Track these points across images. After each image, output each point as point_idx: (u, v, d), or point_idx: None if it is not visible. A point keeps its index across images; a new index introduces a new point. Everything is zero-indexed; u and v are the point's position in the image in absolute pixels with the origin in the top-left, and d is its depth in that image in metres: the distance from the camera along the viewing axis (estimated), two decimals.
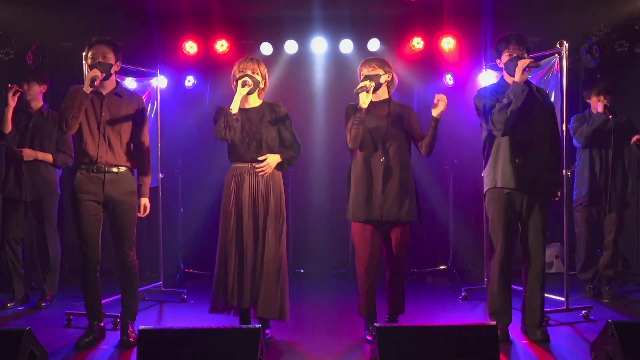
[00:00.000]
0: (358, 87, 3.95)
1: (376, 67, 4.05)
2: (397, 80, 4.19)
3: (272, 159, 4.01)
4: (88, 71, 3.88)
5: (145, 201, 4.12)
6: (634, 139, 5.12)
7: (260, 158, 3.99)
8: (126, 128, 4.00)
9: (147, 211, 4.14)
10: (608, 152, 5.14)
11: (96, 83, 3.79)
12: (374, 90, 4.02)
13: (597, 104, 5.17)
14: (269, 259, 3.92)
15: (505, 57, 3.98)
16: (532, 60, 3.88)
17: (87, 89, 3.79)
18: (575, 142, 5.22)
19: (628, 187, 5.27)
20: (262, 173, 3.98)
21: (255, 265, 3.93)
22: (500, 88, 4.05)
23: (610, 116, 5.06)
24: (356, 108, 4.01)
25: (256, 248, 3.95)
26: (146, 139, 4.13)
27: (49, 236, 5.07)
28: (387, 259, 4.10)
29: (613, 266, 5.30)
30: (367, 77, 4.00)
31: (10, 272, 5.08)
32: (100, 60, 3.88)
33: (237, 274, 3.92)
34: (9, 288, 5.14)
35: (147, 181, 4.15)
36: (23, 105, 5.07)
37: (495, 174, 4.02)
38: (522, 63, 3.82)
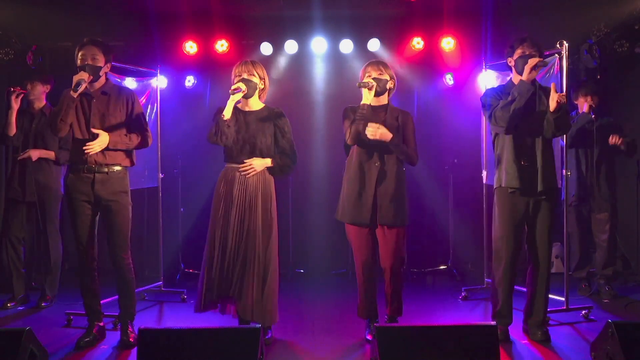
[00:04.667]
0: (362, 81, 3.99)
1: (383, 71, 4.06)
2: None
3: (258, 162, 3.98)
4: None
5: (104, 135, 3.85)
6: (612, 140, 5.12)
7: (246, 161, 3.98)
8: (117, 125, 3.97)
9: (96, 143, 3.83)
10: (593, 152, 5.16)
11: (82, 87, 3.77)
12: (378, 95, 4.05)
13: (584, 104, 5.20)
14: (254, 260, 3.90)
15: (517, 54, 3.98)
16: (541, 59, 3.89)
17: (72, 93, 3.78)
18: (560, 141, 5.23)
19: (613, 187, 5.26)
20: (244, 173, 3.96)
21: (235, 264, 3.90)
22: (506, 89, 4.06)
23: (593, 116, 5.08)
24: (354, 109, 4.04)
25: (239, 247, 3.92)
26: (144, 131, 4.05)
27: (51, 236, 5.07)
28: (383, 263, 4.07)
29: (611, 265, 5.31)
30: (375, 79, 4.01)
31: (11, 272, 5.09)
32: (89, 62, 3.88)
33: (218, 272, 3.91)
34: (9, 288, 5.14)
35: (129, 139, 3.97)
36: (25, 105, 5.08)
37: (500, 174, 4.04)
38: (532, 61, 3.85)
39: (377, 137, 3.89)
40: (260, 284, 3.90)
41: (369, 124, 3.89)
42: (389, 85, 4.09)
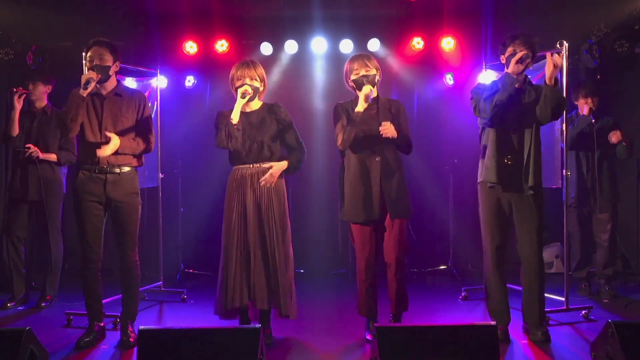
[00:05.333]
0: (360, 78, 3.95)
1: (370, 65, 4.04)
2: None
3: (277, 168, 4.00)
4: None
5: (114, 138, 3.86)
6: (613, 137, 5.10)
7: (265, 165, 3.98)
8: (128, 127, 3.99)
9: (109, 147, 3.84)
10: (594, 154, 5.16)
11: (90, 86, 3.79)
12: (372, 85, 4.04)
13: (584, 106, 5.18)
14: (279, 259, 3.93)
15: (508, 51, 3.97)
16: (526, 52, 3.85)
17: (82, 92, 3.79)
18: (561, 143, 5.23)
19: (615, 188, 5.26)
20: (264, 184, 3.96)
21: (267, 266, 3.92)
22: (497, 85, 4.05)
23: (593, 120, 5.06)
24: (345, 108, 4.05)
25: (265, 249, 3.94)
26: (150, 135, 4.08)
27: (52, 237, 5.07)
28: (388, 257, 4.07)
29: (611, 265, 5.32)
30: (364, 77, 3.99)
31: (11, 272, 5.09)
32: (97, 63, 3.88)
33: (240, 276, 3.91)
34: (9, 288, 5.14)
35: (137, 144, 4.01)
36: (27, 105, 5.08)
37: (482, 168, 4.04)
38: (518, 55, 3.83)
39: (389, 135, 3.91)
40: (284, 278, 3.94)
41: (383, 123, 3.92)
42: (377, 78, 4.08)
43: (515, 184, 3.93)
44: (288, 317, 4.00)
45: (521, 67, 3.87)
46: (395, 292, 4.08)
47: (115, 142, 3.87)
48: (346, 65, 4.11)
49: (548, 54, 3.85)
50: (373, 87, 4.03)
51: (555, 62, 3.78)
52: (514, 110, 3.92)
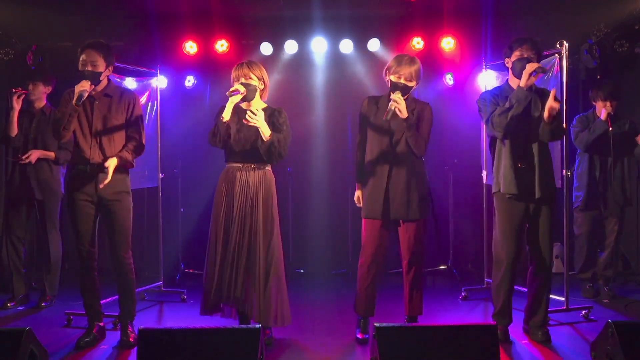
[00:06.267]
0: (390, 112, 3.89)
1: (415, 79, 3.99)
2: None
3: (263, 123, 3.85)
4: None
5: (112, 161, 3.87)
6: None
7: (254, 165, 3.95)
8: (119, 128, 3.99)
9: (109, 172, 3.85)
10: (608, 159, 5.13)
11: (84, 98, 3.79)
12: (404, 95, 4.00)
13: (602, 110, 5.12)
14: (256, 260, 3.89)
15: (515, 55, 3.93)
16: (540, 65, 3.82)
17: (75, 104, 3.78)
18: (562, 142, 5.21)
19: (627, 193, 5.25)
20: (247, 119, 3.83)
21: (239, 265, 3.88)
22: (502, 91, 4.03)
23: (611, 128, 5.01)
24: (372, 107, 4.07)
25: (241, 248, 3.90)
26: (140, 136, 4.07)
27: (51, 236, 5.07)
28: (402, 258, 4.09)
29: (612, 267, 5.31)
30: (400, 85, 3.95)
31: (11, 272, 5.09)
32: (89, 69, 3.87)
33: (220, 273, 3.89)
34: (9, 288, 5.14)
35: (126, 155, 3.98)
36: (26, 105, 5.08)
37: (498, 178, 4.03)
38: (530, 67, 3.78)
39: (394, 108, 3.85)
40: (262, 284, 3.90)
41: (392, 96, 3.88)
42: (414, 88, 4.05)
43: (532, 192, 3.94)
44: (257, 322, 3.89)
45: (533, 79, 3.83)
46: (407, 294, 4.10)
47: (112, 165, 3.86)
48: (392, 62, 4.03)
49: (552, 94, 3.80)
50: (404, 96, 3.98)
51: (551, 111, 3.77)
52: (524, 120, 3.89)
